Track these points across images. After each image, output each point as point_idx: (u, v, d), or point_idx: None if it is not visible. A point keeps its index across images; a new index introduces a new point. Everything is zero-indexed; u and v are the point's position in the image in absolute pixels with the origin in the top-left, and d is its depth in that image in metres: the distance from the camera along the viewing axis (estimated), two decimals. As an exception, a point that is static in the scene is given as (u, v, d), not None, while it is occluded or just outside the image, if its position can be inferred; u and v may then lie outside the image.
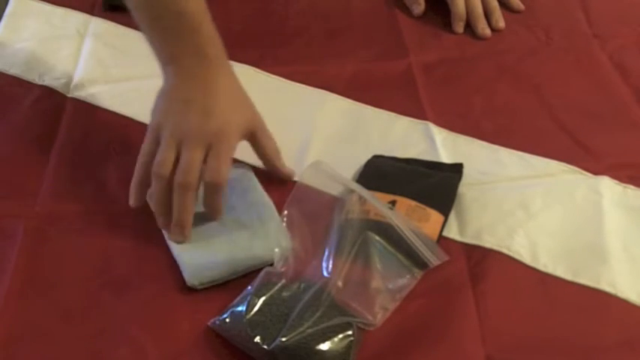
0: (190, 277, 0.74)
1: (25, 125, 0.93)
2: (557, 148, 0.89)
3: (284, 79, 0.99)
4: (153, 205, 0.78)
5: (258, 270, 0.73)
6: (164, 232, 0.78)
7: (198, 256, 0.75)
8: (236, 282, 0.74)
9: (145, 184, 0.78)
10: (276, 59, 1.03)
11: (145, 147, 0.78)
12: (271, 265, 0.74)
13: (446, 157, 0.88)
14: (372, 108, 0.95)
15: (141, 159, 0.78)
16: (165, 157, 0.75)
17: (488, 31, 1.06)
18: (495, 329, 0.71)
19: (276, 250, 0.75)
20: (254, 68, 1.01)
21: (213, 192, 0.76)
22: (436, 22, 1.09)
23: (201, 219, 0.78)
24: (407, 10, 1.11)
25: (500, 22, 1.08)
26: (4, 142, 0.91)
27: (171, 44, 0.80)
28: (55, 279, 0.76)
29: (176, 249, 0.76)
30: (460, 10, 1.07)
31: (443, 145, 0.89)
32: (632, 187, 0.84)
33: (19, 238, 0.79)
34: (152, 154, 0.77)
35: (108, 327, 0.71)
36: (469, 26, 1.07)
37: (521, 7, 1.11)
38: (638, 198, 0.83)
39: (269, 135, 0.83)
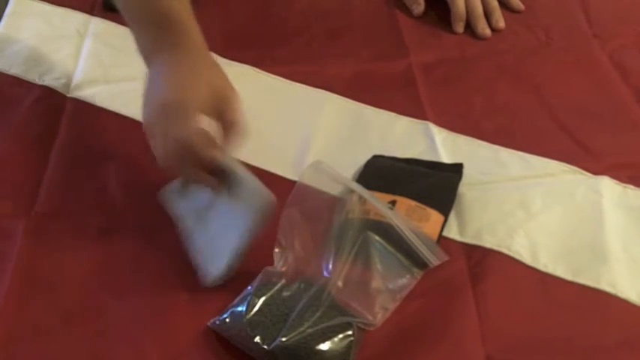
0: (209, 277, 0.74)
1: (25, 125, 0.93)
2: (557, 148, 0.89)
3: (284, 79, 0.99)
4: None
5: (258, 270, 0.73)
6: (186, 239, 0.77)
7: (210, 254, 0.75)
8: (236, 282, 0.74)
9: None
10: (276, 59, 1.03)
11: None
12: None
13: (446, 157, 0.88)
14: (372, 108, 0.95)
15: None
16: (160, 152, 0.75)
17: (488, 31, 1.06)
18: (495, 329, 0.71)
19: (260, 202, 0.73)
20: (254, 68, 1.01)
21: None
22: (436, 22, 1.09)
23: (198, 220, 0.78)
24: (407, 10, 1.11)
25: (500, 22, 1.08)
26: (4, 142, 0.91)
27: (155, 39, 0.79)
28: (55, 279, 0.76)
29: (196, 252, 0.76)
30: (460, 10, 1.07)
31: (443, 145, 0.89)
32: (632, 187, 0.84)
33: (19, 238, 0.79)
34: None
35: (108, 327, 0.71)
36: (469, 26, 1.07)
37: (521, 7, 1.11)
38: (638, 198, 0.83)
39: (236, 120, 0.77)
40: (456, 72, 1.01)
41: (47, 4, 1.13)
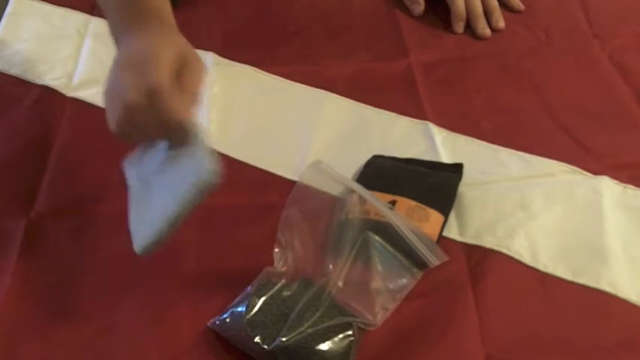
0: (137, 246, 0.70)
1: (25, 125, 0.93)
2: (557, 148, 0.89)
3: (284, 79, 0.99)
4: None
5: (258, 270, 0.73)
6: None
7: (140, 222, 0.72)
8: (236, 282, 0.74)
9: None
10: (276, 59, 1.03)
11: None
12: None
13: (446, 157, 0.88)
14: (372, 108, 0.95)
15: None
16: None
17: (488, 31, 1.06)
18: (495, 329, 0.71)
19: (203, 174, 0.67)
20: (254, 68, 1.01)
21: None
22: (436, 22, 1.09)
23: (142, 187, 0.75)
24: (407, 10, 1.11)
25: (500, 22, 1.07)
26: (4, 142, 0.91)
27: (125, 19, 0.78)
28: (55, 279, 0.76)
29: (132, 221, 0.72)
30: (460, 10, 1.07)
31: (443, 145, 0.89)
32: (632, 187, 0.84)
33: (19, 238, 0.79)
34: None
35: (108, 327, 0.72)
36: (469, 26, 1.07)
37: (521, 7, 1.11)
38: (638, 198, 0.83)
39: (195, 89, 0.72)
40: (456, 72, 1.01)
41: (47, 4, 1.13)
